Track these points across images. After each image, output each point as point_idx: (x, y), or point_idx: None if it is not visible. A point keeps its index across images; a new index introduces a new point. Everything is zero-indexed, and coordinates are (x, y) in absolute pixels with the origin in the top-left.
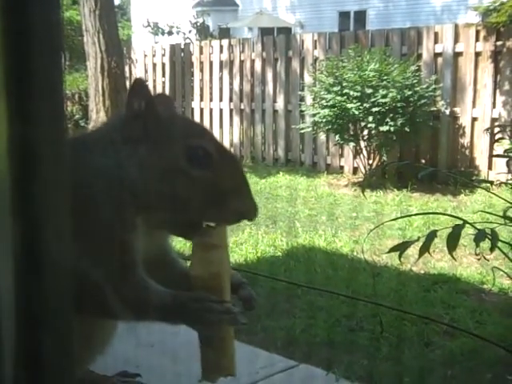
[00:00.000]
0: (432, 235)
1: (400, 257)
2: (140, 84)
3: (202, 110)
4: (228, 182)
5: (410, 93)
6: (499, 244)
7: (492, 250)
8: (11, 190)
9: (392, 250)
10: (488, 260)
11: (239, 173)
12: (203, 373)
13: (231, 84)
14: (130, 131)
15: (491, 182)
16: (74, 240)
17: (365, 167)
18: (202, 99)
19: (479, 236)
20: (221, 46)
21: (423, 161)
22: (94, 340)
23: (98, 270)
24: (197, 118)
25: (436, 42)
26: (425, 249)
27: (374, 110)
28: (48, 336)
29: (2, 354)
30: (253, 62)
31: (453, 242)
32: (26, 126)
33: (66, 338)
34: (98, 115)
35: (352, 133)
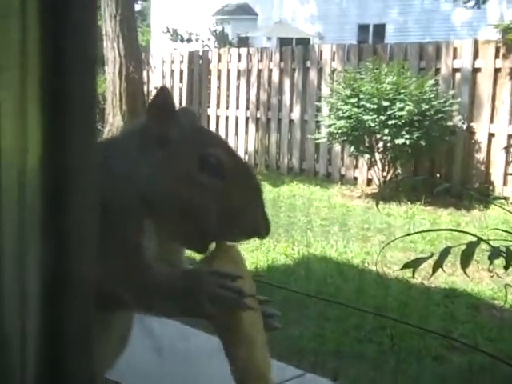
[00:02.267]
0: (446, 252)
1: (413, 273)
2: (164, 92)
3: (218, 118)
4: (240, 195)
5: (426, 107)
6: None
7: (506, 268)
8: (42, 203)
9: (405, 266)
10: (501, 277)
11: (253, 186)
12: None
13: (248, 93)
14: (148, 137)
15: (506, 199)
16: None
17: (379, 179)
18: (218, 107)
19: (494, 254)
20: (239, 55)
21: (438, 175)
22: (107, 347)
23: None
24: (213, 126)
25: (455, 57)
26: (438, 265)
27: (390, 122)
28: (71, 349)
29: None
30: (270, 71)
31: (466, 259)
32: (59, 142)
33: (88, 351)
34: (114, 119)
35: (367, 144)
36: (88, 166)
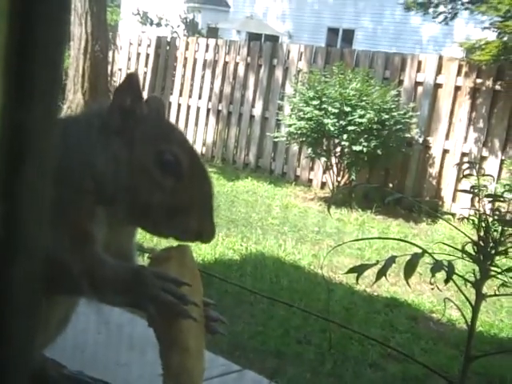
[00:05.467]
0: (390, 261)
1: (358, 279)
2: (133, 78)
3: (179, 106)
4: (191, 197)
5: (386, 116)
6: (454, 276)
7: (447, 281)
8: None
9: (350, 271)
10: (441, 290)
11: (206, 190)
12: None
13: (212, 84)
14: (110, 122)
15: (453, 215)
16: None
17: (333, 183)
18: (181, 95)
19: (436, 267)
20: (207, 45)
21: (391, 185)
22: (49, 324)
23: (54, 244)
24: (173, 114)
25: (418, 70)
26: (382, 273)
27: (350, 128)
28: (15, 315)
29: None
30: (237, 65)
31: (410, 269)
32: (20, 108)
33: (32, 317)
34: (74, 96)
35: (325, 148)
36: (47, 129)
